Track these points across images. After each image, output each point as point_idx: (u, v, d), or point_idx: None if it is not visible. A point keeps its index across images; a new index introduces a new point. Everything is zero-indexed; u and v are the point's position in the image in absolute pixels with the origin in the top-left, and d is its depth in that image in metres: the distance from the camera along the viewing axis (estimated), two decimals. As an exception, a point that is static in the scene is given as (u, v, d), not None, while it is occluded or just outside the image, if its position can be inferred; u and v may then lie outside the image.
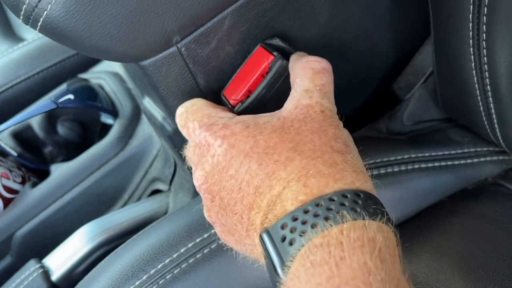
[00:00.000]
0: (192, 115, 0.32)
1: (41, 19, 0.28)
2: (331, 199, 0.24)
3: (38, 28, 0.29)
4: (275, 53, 0.33)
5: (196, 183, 0.32)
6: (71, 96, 0.54)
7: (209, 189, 0.30)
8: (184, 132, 0.33)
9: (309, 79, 0.31)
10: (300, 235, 0.23)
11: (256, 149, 0.28)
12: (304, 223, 0.24)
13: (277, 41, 0.36)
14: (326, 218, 0.23)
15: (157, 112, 0.43)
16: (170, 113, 0.39)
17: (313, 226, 0.23)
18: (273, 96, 0.34)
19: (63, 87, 0.64)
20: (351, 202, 0.24)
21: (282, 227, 0.24)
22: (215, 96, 0.37)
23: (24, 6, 0.27)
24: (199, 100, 0.34)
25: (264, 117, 0.30)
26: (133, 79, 0.47)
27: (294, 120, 0.29)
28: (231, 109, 0.35)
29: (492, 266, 0.38)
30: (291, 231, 0.24)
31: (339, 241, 0.22)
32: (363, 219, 0.23)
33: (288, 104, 0.30)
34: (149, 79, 0.35)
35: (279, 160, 0.27)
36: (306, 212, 0.24)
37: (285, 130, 0.28)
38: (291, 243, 0.23)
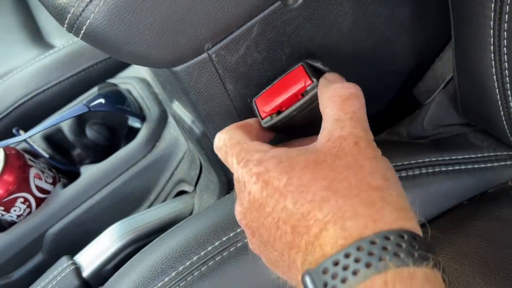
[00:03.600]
0: (231, 150, 0.32)
1: (84, 27, 0.30)
2: (373, 242, 0.23)
3: (80, 35, 0.31)
4: (314, 80, 0.34)
5: (237, 217, 0.32)
6: (102, 100, 0.57)
7: (248, 225, 0.30)
8: (227, 165, 0.33)
9: (338, 107, 0.30)
10: (342, 282, 0.22)
11: (290, 187, 0.27)
12: (345, 268, 0.23)
13: (319, 64, 0.37)
14: (368, 265, 0.22)
15: (186, 116, 0.45)
16: (199, 116, 0.41)
17: (355, 272, 0.22)
18: (302, 116, 0.35)
19: (94, 91, 0.67)
20: (394, 245, 0.23)
21: (324, 272, 0.23)
22: (243, 101, 0.39)
23: (69, 15, 0.30)
24: (236, 132, 0.33)
25: (297, 151, 0.29)
26: (163, 84, 0.49)
27: (327, 154, 0.28)
28: (260, 119, 0.36)
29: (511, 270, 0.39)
30: (333, 277, 0.23)
31: None
32: (408, 266, 0.22)
33: (321, 136, 0.30)
34: (181, 84, 0.37)
35: (313, 199, 0.26)
36: (347, 256, 0.23)
37: (318, 166, 0.27)
38: None
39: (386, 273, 0.22)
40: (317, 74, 0.35)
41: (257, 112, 0.36)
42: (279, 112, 0.35)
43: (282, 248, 0.27)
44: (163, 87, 0.51)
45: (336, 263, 0.23)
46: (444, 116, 0.50)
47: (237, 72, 0.37)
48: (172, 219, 0.56)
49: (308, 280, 0.24)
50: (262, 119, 0.36)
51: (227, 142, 0.33)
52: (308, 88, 0.34)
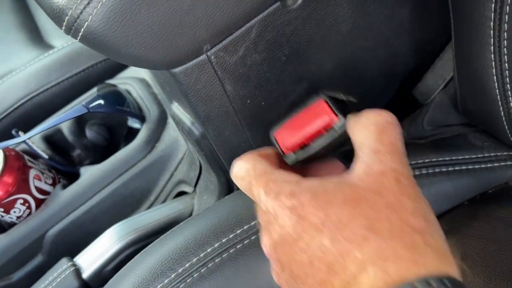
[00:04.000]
0: (256, 181, 0.30)
1: (82, 29, 0.30)
2: (414, 287, 0.22)
3: (79, 38, 0.31)
4: (340, 117, 0.32)
5: (264, 249, 0.31)
6: (101, 101, 0.57)
7: (278, 258, 0.29)
8: (250, 196, 0.31)
9: (376, 138, 0.28)
10: None
11: (328, 224, 0.26)
12: None
13: (340, 96, 0.35)
14: None
15: (186, 117, 0.44)
16: (198, 117, 0.40)
17: None
18: (327, 150, 0.34)
19: (93, 91, 0.67)
20: None
21: None
22: (242, 102, 0.38)
23: (67, 18, 0.29)
24: (259, 161, 0.32)
25: (333, 184, 0.28)
26: (162, 85, 0.49)
27: (366, 190, 0.26)
28: (281, 154, 0.35)
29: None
30: None
31: None
32: None
33: (358, 169, 0.28)
34: (180, 85, 0.37)
35: (353, 238, 0.25)
36: None
37: (358, 203, 0.26)
38: None
39: None
40: (339, 106, 0.34)
41: (277, 146, 0.35)
42: (302, 147, 0.34)
43: (313, 285, 0.26)
44: (162, 88, 0.51)
45: None
46: (444, 116, 0.50)
47: (236, 73, 0.36)
48: (172, 220, 0.56)
49: None
50: (284, 154, 0.34)
51: (251, 172, 0.31)
52: (334, 125, 0.32)
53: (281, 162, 0.35)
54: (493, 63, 0.38)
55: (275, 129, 0.36)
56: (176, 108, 0.46)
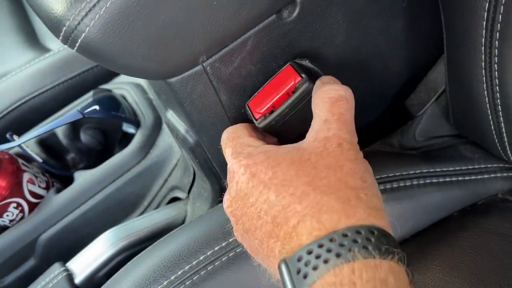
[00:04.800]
0: (229, 142, 0.34)
1: (79, 40, 0.30)
2: (345, 235, 0.25)
3: (76, 48, 0.31)
4: (303, 75, 0.35)
5: (224, 205, 0.34)
6: (96, 107, 0.57)
7: (233, 213, 0.32)
8: (225, 156, 0.35)
9: (328, 108, 0.31)
10: (314, 269, 0.24)
11: (274, 180, 0.29)
12: (317, 257, 0.25)
13: (306, 62, 0.38)
14: (338, 255, 0.24)
15: (180, 125, 0.45)
16: (193, 126, 0.41)
17: (325, 261, 0.24)
18: (296, 114, 0.35)
19: (89, 96, 0.67)
20: (363, 239, 0.25)
21: (298, 260, 0.25)
22: (237, 111, 0.39)
23: (64, 28, 0.30)
24: (240, 129, 0.35)
25: (285, 148, 0.31)
26: (158, 93, 0.50)
27: (311, 153, 0.30)
28: (254, 121, 0.37)
29: (500, 281, 0.39)
30: (306, 265, 0.25)
31: (352, 281, 0.23)
32: (374, 258, 0.24)
33: (308, 135, 0.32)
34: (175, 95, 0.37)
35: (294, 193, 0.28)
36: (320, 246, 0.25)
37: (302, 164, 0.29)
38: (305, 277, 0.24)
39: (354, 263, 0.24)
40: (306, 71, 0.36)
41: (251, 115, 0.37)
42: (272, 111, 0.36)
43: (262, 237, 0.29)
44: (158, 96, 0.52)
45: (309, 252, 0.25)
46: (436, 127, 0.51)
47: (231, 83, 0.37)
48: (165, 226, 0.56)
49: (283, 267, 0.26)
50: (256, 120, 0.36)
51: (230, 135, 0.35)
52: (297, 85, 0.35)
53: (258, 132, 0.37)
54: (484, 78, 0.38)
55: (249, 100, 0.38)
56: (171, 116, 0.46)
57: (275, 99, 0.36)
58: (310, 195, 0.28)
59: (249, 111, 0.37)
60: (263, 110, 0.36)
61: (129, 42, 0.30)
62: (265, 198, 0.29)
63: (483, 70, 0.38)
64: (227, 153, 0.33)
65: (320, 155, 0.29)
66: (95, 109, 0.57)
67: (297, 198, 0.28)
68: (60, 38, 0.31)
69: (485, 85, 0.39)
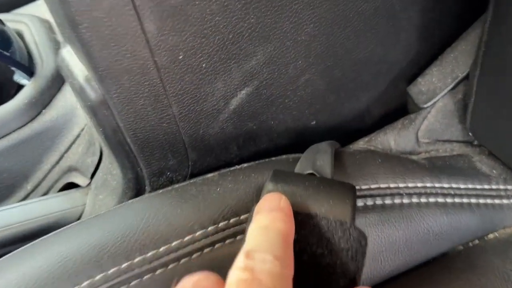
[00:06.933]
0: None
1: None
2: None
3: None
4: None
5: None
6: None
7: None
8: None
9: None
10: None
11: None
12: None
13: None
14: None
15: (79, 69, 0.28)
16: (95, 69, 0.24)
17: None
18: None
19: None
20: None
21: None
22: (170, 54, 0.23)
23: None
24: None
25: None
26: (55, 18, 0.33)
27: None
28: None
29: None
30: None
31: None
32: None
33: None
34: (67, 8, 0.21)
35: None
36: None
37: None
38: None
39: None
40: None
41: None
42: None
43: None
44: (56, 23, 0.35)
45: None
46: (446, 127, 0.38)
47: (165, 3, 0.21)
48: (51, 223, 0.40)
49: None
50: None
51: None
52: None
53: None
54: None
55: None
56: (68, 54, 0.29)
57: None
58: None
59: None
60: None
61: None
62: None
63: None
64: None
65: None
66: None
67: None
68: None
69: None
